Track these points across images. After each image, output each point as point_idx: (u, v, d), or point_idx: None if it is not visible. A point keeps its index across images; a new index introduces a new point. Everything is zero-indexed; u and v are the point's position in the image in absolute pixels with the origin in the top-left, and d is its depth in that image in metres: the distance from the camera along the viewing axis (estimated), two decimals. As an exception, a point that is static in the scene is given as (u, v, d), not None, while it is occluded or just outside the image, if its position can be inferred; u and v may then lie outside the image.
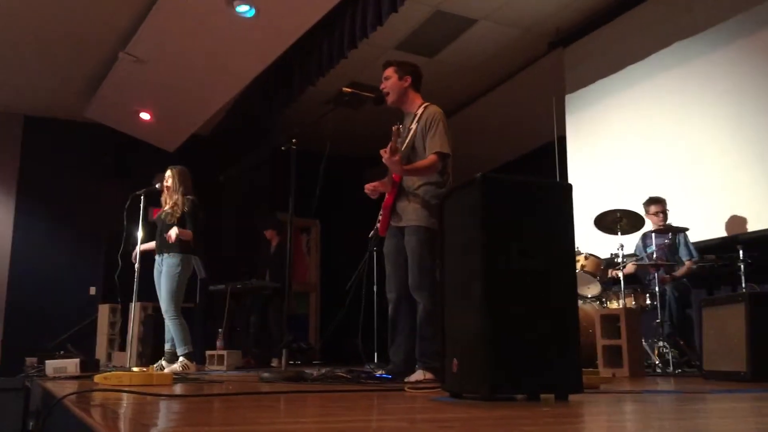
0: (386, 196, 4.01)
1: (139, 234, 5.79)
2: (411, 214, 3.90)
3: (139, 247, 5.75)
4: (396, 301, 3.97)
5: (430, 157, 3.83)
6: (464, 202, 2.32)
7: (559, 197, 2.28)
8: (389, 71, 4.10)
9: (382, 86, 4.10)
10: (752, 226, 5.52)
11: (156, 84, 7.93)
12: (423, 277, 3.81)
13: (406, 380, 3.66)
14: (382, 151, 3.73)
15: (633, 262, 5.74)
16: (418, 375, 3.72)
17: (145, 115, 8.81)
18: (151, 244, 5.78)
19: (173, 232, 5.43)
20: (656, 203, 5.79)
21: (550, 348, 2.16)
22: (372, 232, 4.19)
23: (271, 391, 2.99)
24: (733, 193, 5.70)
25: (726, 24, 5.94)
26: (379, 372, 3.90)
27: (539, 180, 2.31)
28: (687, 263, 5.64)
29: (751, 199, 5.55)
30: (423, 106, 4.06)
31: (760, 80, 5.60)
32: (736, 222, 5.66)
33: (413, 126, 4.00)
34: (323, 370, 3.93)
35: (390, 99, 4.10)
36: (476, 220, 2.19)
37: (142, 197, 5.79)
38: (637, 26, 6.71)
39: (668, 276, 5.60)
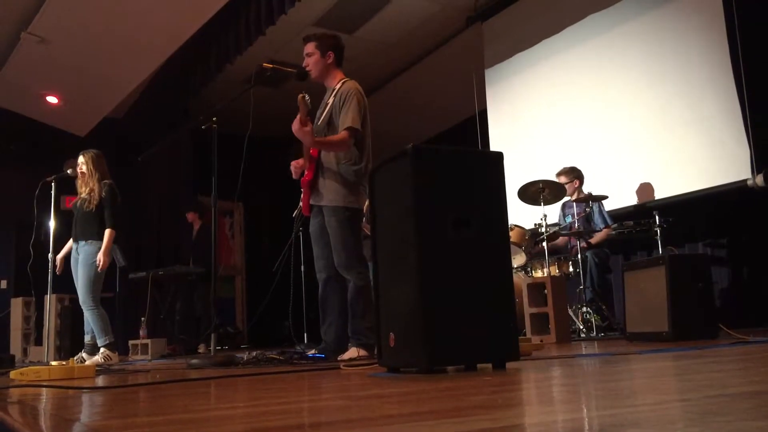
0: (305, 172, 3.94)
1: (51, 223, 5.54)
2: (329, 193, 3.86)
3: (63, 252, 5.60)
4: (325, 280, 3.93)
5: (341, 133, 3.80)
6: (396, 174, 2.29)
7: (490, 166, 2.26)
8: (310, 47, 4.03)
9: (304, 63, 4.03)
10: (664, 193, 5.73)
11: (62, 65, 7.55)
12: (348, 255, 3.79)
13: (339, 358, 3.63)
14: (293, 123, 3.67)
15: (558, 232, 5.86)
16: (352, 352, 3.70)
17: (52, 99, 8.40)
18: (70, 244, 5.59)
19: (100, 259, 5.25)
20: (561, 174, 5.94)
21: (487, 317, 2.16)
22: (296, 212, 4.13)
23: (201, 378, 2.89)
24: (647, 162, 5.90)
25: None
26: (312, 352, 3.85)
27: (469, 149, 2.29)
28: (604, 230, 5.77)
29: (662, 166, 5.76)
30: (342, 81, 4.04)
31: (671, 51, 5.78)
32: (650, 189, 5.86)
33: (330, 100, 3.99)
34: (254, 353, 3.85)
35: (313, 75, 4.04)
36: (408, 191, 2.16)
37: (52, 184, 5.54)
38: (552, 0, 6.81)
39: (585, 244, 5.74)
